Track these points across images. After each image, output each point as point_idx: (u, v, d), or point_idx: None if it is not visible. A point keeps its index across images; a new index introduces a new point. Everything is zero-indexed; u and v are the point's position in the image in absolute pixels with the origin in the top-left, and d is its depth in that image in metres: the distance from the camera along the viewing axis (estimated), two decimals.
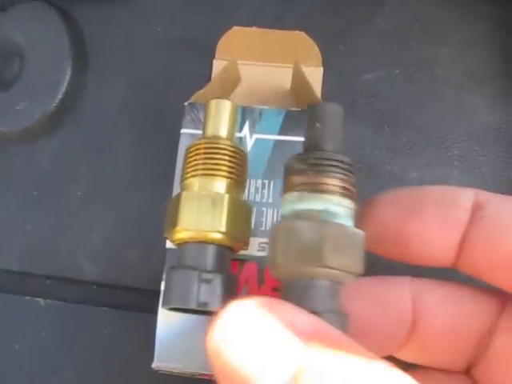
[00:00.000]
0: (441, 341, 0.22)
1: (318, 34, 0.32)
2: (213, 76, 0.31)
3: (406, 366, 0.23)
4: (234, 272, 0.25)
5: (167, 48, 0.33)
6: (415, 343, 0.22)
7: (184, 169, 0.24)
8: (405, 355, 0.23)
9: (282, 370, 0.14)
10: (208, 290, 0.21)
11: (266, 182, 0.26)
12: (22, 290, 0.30)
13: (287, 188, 0.20)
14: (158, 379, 0.28)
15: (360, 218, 0.20)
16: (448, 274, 0.22)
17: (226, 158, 0.23)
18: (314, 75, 0.31)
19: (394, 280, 0.23)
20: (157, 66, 0.33)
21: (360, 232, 0.19)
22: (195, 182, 0.23)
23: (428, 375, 0.23)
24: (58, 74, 0.32)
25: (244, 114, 0.27)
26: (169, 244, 0.25)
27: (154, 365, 0.24)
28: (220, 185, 0.23)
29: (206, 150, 0.23)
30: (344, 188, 0.19)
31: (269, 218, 0.25)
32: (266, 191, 0.26)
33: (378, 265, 0.23)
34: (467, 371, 0.23)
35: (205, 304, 0.21)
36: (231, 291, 0.22)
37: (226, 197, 0.22)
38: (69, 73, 0.32)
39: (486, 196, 0.21)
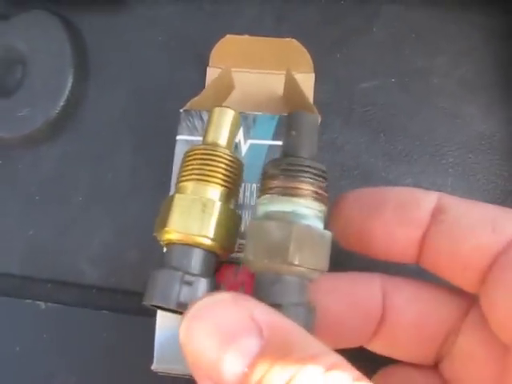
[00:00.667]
0: (407, 336, 0.23)
1: (316, 44, 0.32)
2: (207, 83, 0.32)
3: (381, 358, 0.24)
4: (230, 274, 0.25)
5: (167, 57, 0.34)
6: (384, 337, 0.23)
7: (180, 172, 0.24)
8: (375, 347, 0.24)
9: (239, 359, 0.16)
10: (189, 292, 0.21)
11: None
12: (23, 294, 0.31)
13: (261, 191, 0.22)
14: (157, 382, 0.29)
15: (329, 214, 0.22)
16: (421, 273, 0.23)
17: (222, 165, 0.24)
18: (306, 81, 0.31)
19: (365, 276, 0.24)
20: (156, 75, 0.33)
21: (327, 233, 0.21)
22: (189, 186, 0.23)
23: (399, 369, 0.24)
24: (59, 82, 0.32)
25: None
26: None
27: (154, 367, 0.25)
28: (213, 191, 0.23)
29: (204, 155, 0.24)
30: (313, 192, 0.21)
31: None
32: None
33: (355, 260, 0.25)
34: (436, 366, 0.24)
35: (184, 305, 0.21)
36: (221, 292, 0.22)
37: (217, 204, 0.23)
38: (70, 81, 0.32)
39: (448, 200, 0.22)
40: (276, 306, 0.19)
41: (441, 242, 0.21)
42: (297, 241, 0.19)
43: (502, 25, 0.33)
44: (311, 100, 0.31)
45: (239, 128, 0.27)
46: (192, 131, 0.27)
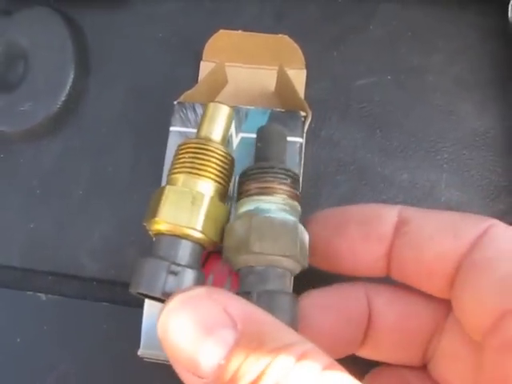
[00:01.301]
0: (391, 339, 0.24)
1: (313, 41, 0.33)
2: (200, 77, 0.33)
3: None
4: (219, 264, 0.26)
5: (167, 53, 0.34)
6: (371, 342, 0.24)
7: (172, 164, 0.25)
8: (363, 353, 0.25)
9: (215, 351, 0.16)
10: (174, 282, 0.22)
11: None
12: (24, 286, 0.31)
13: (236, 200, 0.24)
14: (156, 372, 0.29)
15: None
16: None
17: (214, 160, 0.24)
18: (298, 77, 0.32)
19: (350, 287, 0.25)
20: (157, 71, 0.34)
21: (290, 219, 0.22)
22: (180, 178, 0.24)
23: (391, 369, 0.25)
24: (61, 77, 0.33)
25: None
26: None
27: (140, 352, 0.26)
28: (203, 185, 0.24)
29: (196, 149, 0.24)
30: (275, 188, 0.22)
31: None
32: None
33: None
34: (425, 367, 0.24)
35: (169, 294, 0.21)
36: (197, 286, 0.23)
37: (207, 197, 0.23)
38: (71, 76, 0.33)
39: (409, 212, 0.23)
40: (249, 294, 0.20)
41: (406, 253, 0.22)
42: (256, 230, 0.21)
43: (496, 24, 0.33)
44: (302, 95, 0.32)
45: (232, 123, 0.27)
46: (185, 123, 0.28)
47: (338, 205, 0.30)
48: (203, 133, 0.25)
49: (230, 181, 0.26)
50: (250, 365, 0.16)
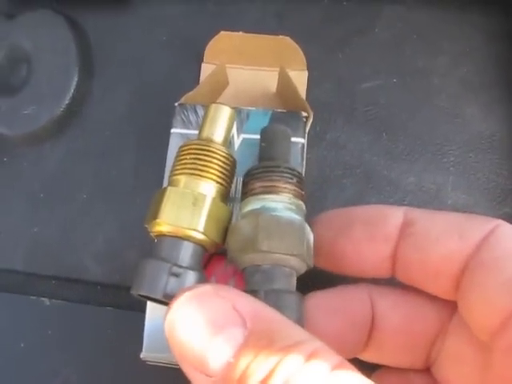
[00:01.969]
0: (395, 342, 0.24)
1: (318, 44, 0.33)
2: (201, 79, 0.32)
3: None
4: (221, 266, 0.26)
5: (170, 56, 0.34)
6: (374, 345, 0.24)
7: (174, 165, 0.25)
8: (366, 356, 0.25)
9: (224, 349, 0.16)
10: (176, 284, 0.22)
11: None
12: (27, 290, 0.31)
13: (240, 200, 0.24)
14: (160, 377, 0.29)
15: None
16: None
17: (215, 161, 0.24)
18: (300, 78, 0.32)
19: (353, 288, 0.25)
20: (160, 74, 0.34)
21: (296, 219, 0.22)
22: (182, 180, 0.24)
23: (395, 370, 0.25)
24: (64, 80, 0.33)
25: None
26: None
27: (142, 355, 0.25)
28: (204, 186, 0.24)
29: (198, 150, 0.24)
30: (280, 187, 0.22)
31: None
32: None
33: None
34: (428, 370, 0.24)
35: (171, 296, 0.21)
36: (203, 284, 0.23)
37: (208, 198, 0.23)
38: (75, 79, 0.33)
39: (415, 213, 0.23)
40: (256, 293, 0.20)
41: (411, 254, 0.22)
42: (264, 229, 0.21)
43: (502, 26, 0.33)
44: (304, 97, 0.31)
45: (234, 125, 0.27)
46: (186, 125, 0.28)
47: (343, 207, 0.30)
48: (205, 134, 0.25)
49: (231, 182, 0.25)
50: (259, 363, 0.16)
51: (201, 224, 0.23)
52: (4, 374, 0.30)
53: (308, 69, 0.32)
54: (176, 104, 0.28)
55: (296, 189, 0.23)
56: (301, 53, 0.32)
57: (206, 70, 0.32)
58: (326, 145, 0.31)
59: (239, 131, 0.28)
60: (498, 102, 0.32)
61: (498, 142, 0.31)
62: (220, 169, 0.24)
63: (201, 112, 0.28)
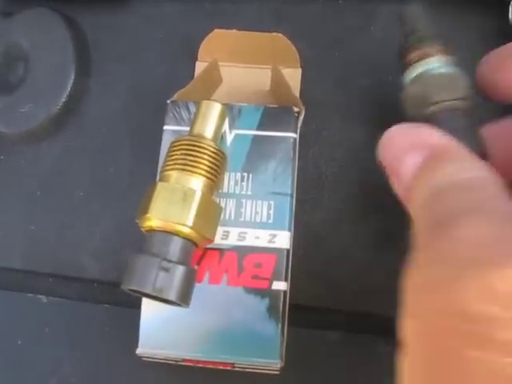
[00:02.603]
0: None
1: (314, 42, 0.33)
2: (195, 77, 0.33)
3: None
4: (214, 261, 0.26)
5: (167, 54, 0.34)
6: None
7: (165, 161, 0.25)
8: None
9: (417, 154, 0.20)
10: (165, 278, 0.22)
11: (245, 174, 0.27)
12: (24, 288, 0.31)
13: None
14: (158, 374, 0.29)
15: None
16: None
17: (206, 157, 0.24)
18: (293, 76, 0.32)
19: None
20: (157, 72, 0.34)
21: (454, 69, 0.25)
22: (172, 175, 0.24)
23: None
24: (61, 78, 0.33)
25: None
26: None
27: (138, 351, 0.26)
28: (195, 182, 0.24)
29: (188, 146, 0.24)
30: (431, 52, 0.26)
31: (248, 208, 0.27)
32: (244, 184, 0.27)
33: None
34: None
35: (160, 291, 0.22)
36: (188, 282, 0.23)
37: (198, 193, 0.23)
38: (72, 77, 0.33)
39: None
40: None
41: None
42: (432, 85, 0.24)
43: (498, 25, 0.33)
44: (298, 94, 0.32)
45: (225, 121, 0.27)
46: (179, 121, 0.28)
47: (341, 206, 0.30)
48: (196, 130, 0.26)
49: (222, 177, 0.26)
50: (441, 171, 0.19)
51: (190, 219, 0.23)
52: (1, 371, 0.30)
53: (304, 67, 0.32)
54: (168, 101, 0.28)
55: (444, 48, 0.26)
56: (294, 50, 0.32)
57: (201, 68, 0.32)
58: (321, 142, 0.31)
59: (231, 127, 0.28)
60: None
61: None
62: (210, 164, 0.25)
63: (193, 109, 0.28)
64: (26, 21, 0.33)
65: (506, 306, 0.14)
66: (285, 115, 0.28)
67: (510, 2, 0.32)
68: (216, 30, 0.32)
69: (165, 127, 0.28)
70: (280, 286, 0.26)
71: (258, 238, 0.26)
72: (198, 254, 0.26)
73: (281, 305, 0.25)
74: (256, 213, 0.26)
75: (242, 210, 0.27)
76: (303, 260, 0.29)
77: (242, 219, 0.26)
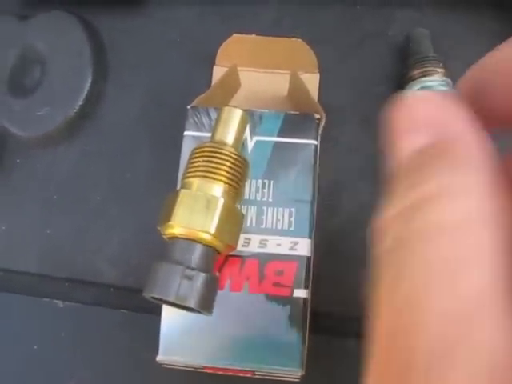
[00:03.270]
0: None
1: (332, 47, 0.33)
2: (213, 82, 0.33)
3: None
4: (236, 268, 0.26)
5: (184, 57, 0.34)
6: None
7: (187, 168, 0.25)
8: None
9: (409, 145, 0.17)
10: (188, 287, 0.22)
11: (267, 181, 0.27)
12: (41, 292, 0.31)
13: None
14: (174, 380, 0.29)
15: None
16: None
17: (228, 164, 0.24)
18: (312, 81, 0.32)
19: None
20: (174, 75, 0.34)
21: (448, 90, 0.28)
22: (194, 182, 0.24)
23: None
24: (78, 82, 0.32)
25: None
26: None
27: (158, 358, 0.25)
28: (217, 188, 0.24)
29: (210, 153, 0.24)
30: (432, 71, 0.30)
31: (269, 216, 0.26)
32: (266, 190, 0.27)
33: None
34: None
35: (183, 299, 0.22)
36: (211, 290, 0.23)
37: (221, 201, 0.23)
38: (89, 80, 0.33)
39: None
40: None
41: None
42: None
43: None
44: (316, 99, 0.31)
45: (246, 127, 0.27)
46: (199, 127, 0.28)
47: (358, 212, 0.30)
48: (217, 137, 0.25)
49: (244, 184, 0.26)
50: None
51: (213, 226, 0.23)
52: (17, 375, 0.30)
53: (322, 72, 0.32)
54: (188, 107, 0.28)
55: (443, 70, 0.30)
56: (313, 55, 0.32)
57: (218, 72, 0.32)
58: (340, 148, 0.31)
59: (252, 133, 0.28)
60: None
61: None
62: (232, 171, 0.24)
63: (213, 114, 0.28)
64: (42, 24, 0.33)
65: None
66: (306, 122, 0.28)
67: None
68: (234, 35, 0.31)
69: (185, 133, 0.28)
70: (301, 293, 0.25)
71: (279, 245, 0.26)
72: (220, 261, 0.26)
73: (302, 313, 0.25)
74: (277, 220, 0.26)
75: (263, 217, 0.26)
76: (321, 267, 0.29)
77: (263, 226, 0.26)
